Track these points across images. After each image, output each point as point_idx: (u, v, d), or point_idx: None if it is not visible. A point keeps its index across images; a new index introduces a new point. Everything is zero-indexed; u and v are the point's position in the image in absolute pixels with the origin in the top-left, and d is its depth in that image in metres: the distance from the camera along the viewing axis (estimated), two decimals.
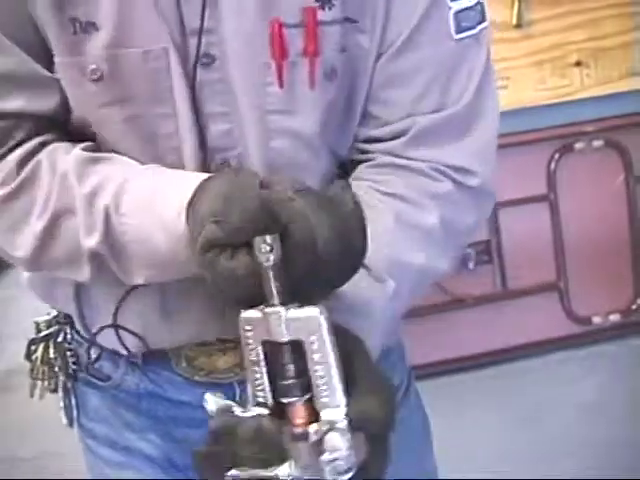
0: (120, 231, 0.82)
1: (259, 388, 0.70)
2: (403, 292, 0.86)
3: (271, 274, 0.68)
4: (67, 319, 1.04)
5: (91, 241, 0.83)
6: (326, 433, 0.67)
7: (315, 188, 0.74)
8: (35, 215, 0.86)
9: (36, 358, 1.06)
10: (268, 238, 0.68)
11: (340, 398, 0.68)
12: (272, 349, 0.70)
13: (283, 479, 0.66)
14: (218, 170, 0.88)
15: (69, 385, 1.06)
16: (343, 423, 0.68)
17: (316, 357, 0.68)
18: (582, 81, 2.85)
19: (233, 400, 0.72)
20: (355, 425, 0.69)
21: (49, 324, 1.06)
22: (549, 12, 2.79)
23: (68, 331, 1.05)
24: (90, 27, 0.84)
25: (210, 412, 0.71)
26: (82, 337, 1.03)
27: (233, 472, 0.66)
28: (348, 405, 0.68)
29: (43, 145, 0.88)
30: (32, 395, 1.07)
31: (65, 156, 0.87)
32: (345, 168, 0.97)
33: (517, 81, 2.80)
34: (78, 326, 1.01)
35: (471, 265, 3.00)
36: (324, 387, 0.68)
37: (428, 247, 0.89)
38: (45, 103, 0.88)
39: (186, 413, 1.00)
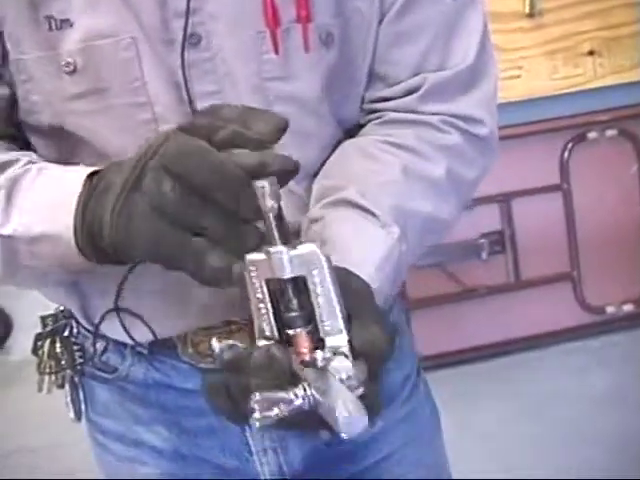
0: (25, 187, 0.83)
1: (265, 324, 0.74)
2: (410, 239, 0.89)
3: (272, 217, 0.71)
4: (72, 314, 1.05)
5: None
6: (331, 357, 0.71)
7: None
8: None
9: (43, 353, 1.06)
10: (266, 183, 0.71)
11: (342, 325, 0.72)
12: (275, 289, 0.74)
13: (300, 400, 0.69)
14: None
15: (76, 379, 1.07)
16: (346, 347, 0.71)
17: (318, 289, 0.72)
18: (595, 70, 2.84)
19: None
20: (358, 351, 0.71)
21: (55, 319, 1.06)
22: (562, 1, 2.79)
23: (74, 325, 1.05)
24: (64, 23, 0.86)
25: (217, 352, 0.73)
26: (87, 330, 1.04)
27: (256, 396, 0.68)
28: (350, 332, 0.72)
29: None
30: (40, 390, 1.07)
31: None
32: (352, 133, 0.98)
33: (530, 71, 2.80)
34: (82, 320, 1.01)
35: (484, 255, 3.00)
36: (326, 316, 0.72)
37: (434, 197, 0.92)
38: None
39: (193, 401, 1.01)
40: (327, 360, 0.70)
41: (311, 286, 0.72)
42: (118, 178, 0.73)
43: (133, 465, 1.06)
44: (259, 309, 0.74)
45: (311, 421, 0.71)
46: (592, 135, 2.98)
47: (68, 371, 1.05)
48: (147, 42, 0.87)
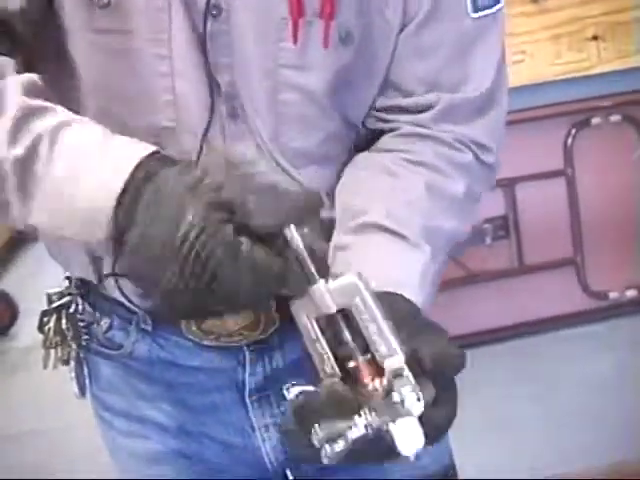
0: (43, 162, 0.76)
1: (325, 363, 0.75)
2: (438, 256, 0.91)
3: (306, 255, 0.73)
4: (78, 290, 1.06)
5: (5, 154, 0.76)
6: (392, 380, 0.72)
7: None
8: None
9: (49, 329, 1.07)
10: (295, 228, 0.73)
11: (396, 345, 0.73)
12: (326, 326, 0.76)
13: (361, 427, 0.71)
14: (228, 116, 0.91)
15: (81, 355, 1.08)
16: (404, 369, 0.73)
17: (364, 317, 0.74)
18: (599, 55, 2.83)
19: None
20: (429, 366, 0.73)
21: (61, 295, 1.07)
22: None
23: (79, 302, 1.06)
24: None
25: (291, 397, 0.76)
26: (92, 306, 1.04)
27: (317, 428, 0.71)
28: (413, 350, 0.73)
29: None
30: (45, 366, 1.08)
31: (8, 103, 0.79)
32: (360, 133, 1.00)
33: (534, 55, 2.79)
34: (91, 278, 1.01)
35: (488, 240, 3.00)
36: (378, 340, 0.73)
37: (456, 214, 0.95)
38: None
39: (197, 378, 1.02)
40: (389, 384, 0.72)
41: (357, 314, 0.74)
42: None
43: (137, 440, 1.08)
44: (316, 350, 0.76)
45: (379, 451, 0.73)
46: (596, 120, 2.97)
47: (73, 347, 1.06)
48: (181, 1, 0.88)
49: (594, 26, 2.81)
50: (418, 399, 0.72)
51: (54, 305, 1.07)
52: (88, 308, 1.05)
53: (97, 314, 1.04)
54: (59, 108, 0.80)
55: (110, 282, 0.99)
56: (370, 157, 0.97)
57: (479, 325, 3.06)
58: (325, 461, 0.72)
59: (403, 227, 0.88)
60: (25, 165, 0.75)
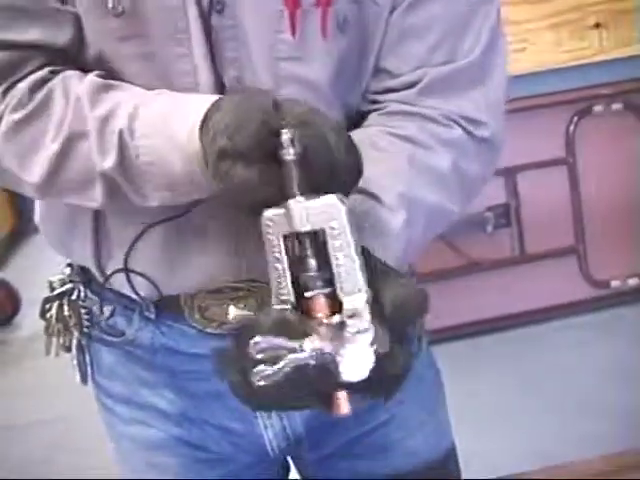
0: (135, 153, 0.84)
1: (281, 286, 0.71)
2: (416, 226, 0.88)
3: (292, 166, 0.70)
4: (80, 277, 1.06)
5: (105, 163, 0.85)
6: (348, 320, 0.68)
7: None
8: (49, 138, 0.87)
9: (51, 316, 1.07)
10: (289, 132, 0.71)
11: (361, 284, 0.69)
12: (293, 246, 0.71)
13: (304, 352, 0.66)
14: None
15: (83, 342, 1.08)
16: (365, 308, 0.69)
17: (337, 243, 0.69)
18: (601, 43, 2.83)
19: None
20: (389, 308, 0.70)
21: (63, 282, 1.07)
22: None
23: (82, 289, 1.06)
24: None
25: (232, 319, 0.72)
26: (94, 293, 1.05)
27: (257, 339, 0.66)
28: (376, 292, 0.69)
29: (55, 73, 0.90)
30: (48, 353, 1.08)
31: (78, 82, 0.88)
32: (353, 120, 0.98)
33: (535, 43, 2.79)
34: (96, 273, 1.02)
35: (489, 229, 3.00)
36: (345, 274, 0.69)
37: (441, 189, 0.91)
38: (59, 36, 0.90)
39: (200, 366, 1.02)
40: (342, 323, 0.68)
41: (330, 240, 0.69)
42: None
43: (139, 427, 1.08)
44: (276, 269, 0.71)
45: (313, 385, 0.70)
46: (597, 108, 2.97)
47: (75, 334, 1.07)
48: None
49: (596, 14, 2.80)
50: (372, 337, 0.68)
51: (56, 292, 1.07)
52: (90, 295, 1.05)
53: (99, 301, 1.05)
54: (123, 96, 0.87)
55: (117, 278, 1.00)
56: (355, 133, 0.96)
57: (480, 314, 3.06)
58: (255, 381, 0.66)
59: (379, 190, 0.86)
60: (124, 166, 0.85)
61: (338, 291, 0.69)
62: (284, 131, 0.71)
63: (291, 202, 0.70)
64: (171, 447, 1.07)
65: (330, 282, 0.70)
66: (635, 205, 3.04)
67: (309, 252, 0.70)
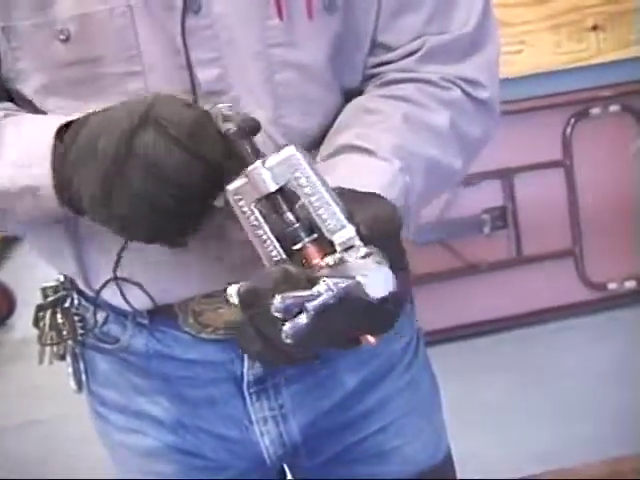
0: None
1: (269, 248, 0.72)
2: (415, 175, 0.87)
3: (238, 137, 0.72)
4: (73, 284, 1.05)
5: None
6: (344, 253, 0.69)
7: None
8: None
9: (44, 324, 1.06)
10: (224, 109, 0.73)
11: (342, 217, 0.70)
12: (267, 209, 0.72)
13: (325, 293, 0.66)
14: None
15: (77, 350, 1.07)
16: (356, 237, 0.69)
17: (307, 190, 0.70)
18: (599, 45, 2.82)
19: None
20: (364, 230, 0.70)
21: (56, 290, 1.06)
22: None
23: (75, 297, 1.05)
24: None
25: (234, 293, 0.71)
26: (88, 300, 1.04)
27: (277, 299, 0.65)
28: (354, 222, 0.70)
29: None
30: (41, 362, 1.07)
31: None
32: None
33: (533, 45, 2.78)
34: (83, 287, 1.01)
35: (486, 231, 3.00)
36: (326, 215, 0.70)
37: (437, 144, 0.91)
38: None
39: (194, 372, 1.01)
40: (342, 258, 0.69)
41: (299, 189, 0.70)
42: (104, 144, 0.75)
43: (133, 436, 1.07)
44: (259, 237, 0.72)
45: (343, 320, 0.69)
46: (595, 111, 2.96)
47: (69, 342, 1.05)
48: (145, 8, 0.86)
49: (594, 16, 2.80)
50: (380, 253, 0.69)
51: (49, 300, 1.06)
52: (84, 302, 1.04)
53: (93, 308, 1.03)
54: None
55: (107, 290, 0.99)
56: (349, 105, 0.95)
57: (477, 316, 3.06)
58: (288, 340, 0.66)
59: (373, 144, 0.86)
60: None
61: (325, 233, 0.70)
62: (215, 109, 0.73)
63: (251, 168, 0.71)
64: (166, 455, 1.06)
65: (312, 230, 0.71)
66: (632, 208, 3.03)
67: (284, 207, 0.71)
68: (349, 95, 0.97)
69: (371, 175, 0.83)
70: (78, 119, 0.80)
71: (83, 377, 1.08)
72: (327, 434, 1.07)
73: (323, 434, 1.07)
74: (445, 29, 0.94)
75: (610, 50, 2.83)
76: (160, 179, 0.74)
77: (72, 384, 1.07)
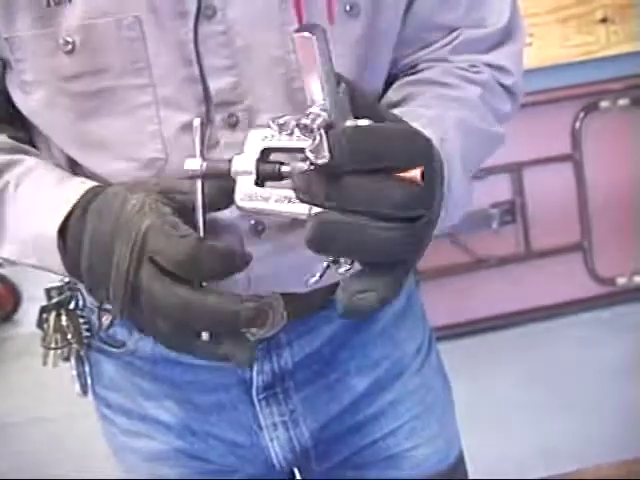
0: (9, 203, 0.85)
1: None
2: (453, 139, 0.83)
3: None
4: (79, 285, 1.03)
5: None
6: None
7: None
8: None
9: (48, 326, 1.04)
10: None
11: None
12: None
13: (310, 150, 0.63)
14: (225, 125, 0.87)
15: (82, 353, 1.05)
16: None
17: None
18: (608, 38, 2.80)
19: None
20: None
21: (60, 291, 1.05)
22: None
23: (80, 298, 1.04)
24: None
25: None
26: (93, 302, 1.02)
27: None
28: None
29: None
30: (45, 364, 1.05)
31: None
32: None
33: (542, 38, 2.76)
34: (86, 293, 1.00)
35: (494, 225, 2.99)
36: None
37: (472, 111, 0.91)
38: None
39: (202, 377, 1.00)
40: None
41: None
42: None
43: (140, 439, 1.06)
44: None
45: None
46: (604, 104, 2.95)
47: (74, 345, 1.04)
48: (154, 18, 0.81)
49: (603, 8, 2.78)
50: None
51: (53, 301, 1.04)
52: (89, 304, 1.03)
53: (98, 311, 1.02)
54: (28, 157, 0.88)
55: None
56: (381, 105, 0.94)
57: (485, 311, 3.05)
58: None
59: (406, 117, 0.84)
60: None
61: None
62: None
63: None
64: (172, 459, 1.05)
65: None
66: None
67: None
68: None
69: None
70: (74, 221, 0.78)
71: (88, 380, 1.06)
72: (337, 438, 1.06)
73: (333, 438, 1.06)
74: (480, 23, 0.96)
75: (619, 43, 2.81)
76: (167, 317, 0.72)
77: (76, 387, 1.05)
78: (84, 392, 1.06)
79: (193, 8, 0.82)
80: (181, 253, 0.69)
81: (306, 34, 0.63)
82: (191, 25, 0.82)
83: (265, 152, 0.71)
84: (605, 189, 3.01)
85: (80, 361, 1.05)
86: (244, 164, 0.71)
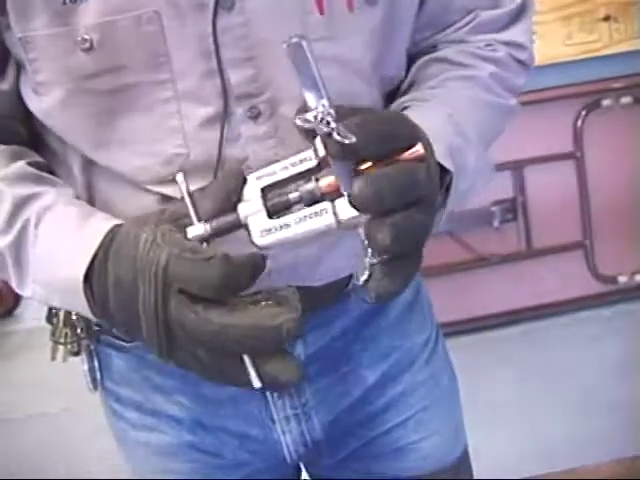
0: (31, 241, 0.83)
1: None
2: (456, 112, 0.89)
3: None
4: None
5: (2, 241, 0.84)
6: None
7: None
8: None
9: (58, 320, 1.03)
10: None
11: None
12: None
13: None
14: (246, 118, 0.86)
15: (92, 347, 1.05)
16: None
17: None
18: (611, 36, 2.80)
19: None
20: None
21: None
22: None
23: None
24: None
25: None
26: None
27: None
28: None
29: None
30: (54, 358, 1.04)
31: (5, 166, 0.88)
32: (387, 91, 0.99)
33: (544, 36, 2.76)
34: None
35: (496, 223, 2.98)
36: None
37: (483, 87, 0.94)
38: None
39: None
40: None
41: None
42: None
43: (150, 434, 1.05)
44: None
45: None
46: (606, 102, 2.94)
47: (84, 340, 1.03)
48: (173, 11, 0.81)
49: (605, 6, 2.78)
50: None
51: None
52: None
53: None
54: (48, 190, 0.86)
55: None
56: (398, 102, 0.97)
57: (486, 309, 3.05)
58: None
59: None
60: (18, 246, 0.83)
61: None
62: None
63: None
64: (183, 453, 1.05)
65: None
66: None
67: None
68: (386, 87, 0.96)
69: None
70: (98, 266, 0.77)
71: (98, 375, 1.06)
72: (348, 430, 1.06)
73: (344, 431, 1.06)
74: (496, 4, 0.99)
75: (622, 41, 2.81)
76: (206, 346, 0.71)
77: (88, 383, 1.05)
78: (95, 387, 1.06)
79: (211, 1, 0.81)
80: (214, 277, 0.69)
81: (296, 40, 0.66)
82: (210, 17, 0.82)
83: (265, 190, 0.72)
84: (607, 187, 3.00)
85: (90, 356, 1.05)
86: (251, 207, 0.72)
